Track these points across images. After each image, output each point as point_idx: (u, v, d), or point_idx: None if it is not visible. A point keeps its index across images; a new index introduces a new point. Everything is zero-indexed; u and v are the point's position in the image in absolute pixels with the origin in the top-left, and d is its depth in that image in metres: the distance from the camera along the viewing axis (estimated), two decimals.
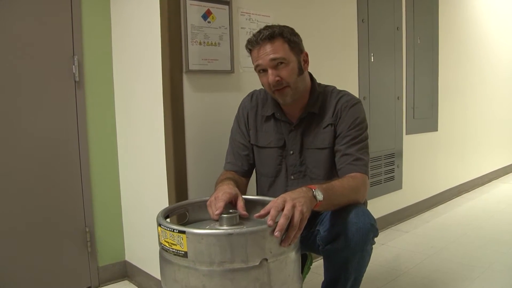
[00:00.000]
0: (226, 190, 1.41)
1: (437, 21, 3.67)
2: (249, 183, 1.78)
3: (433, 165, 3.75)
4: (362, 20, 2.82)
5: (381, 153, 3.05)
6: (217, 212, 1.30)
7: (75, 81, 2.14)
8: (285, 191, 1.59)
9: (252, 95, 1.75)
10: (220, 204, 1.32)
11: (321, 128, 1.59)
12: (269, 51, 1.48)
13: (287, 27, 1.55)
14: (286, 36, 1.50)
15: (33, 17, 2.02)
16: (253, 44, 1.51)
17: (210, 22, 1.91)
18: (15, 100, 1.99)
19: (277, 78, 1.50)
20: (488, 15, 4.60)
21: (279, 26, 1.53)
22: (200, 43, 1.88)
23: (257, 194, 1.79)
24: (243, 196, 1.45)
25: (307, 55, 1.59)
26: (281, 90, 1.53)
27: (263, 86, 1.60)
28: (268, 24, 1.55)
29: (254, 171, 1.78)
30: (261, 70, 1.53)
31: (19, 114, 2.01)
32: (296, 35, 1.55)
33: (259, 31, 1.51)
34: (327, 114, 1.59)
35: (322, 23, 2.51)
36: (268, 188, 1.71)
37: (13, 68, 1.98)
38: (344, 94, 1.63)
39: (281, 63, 1.49)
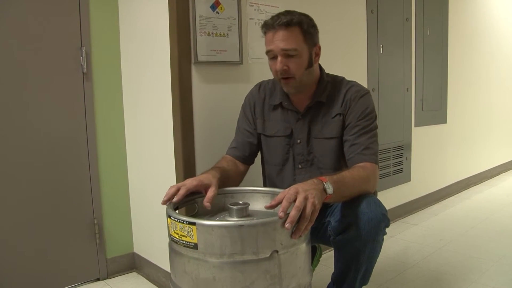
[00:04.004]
0: (201, 178, 1.39)
1: (446, 12, 3.63)
2: (255, 175, 1.78)
3: (441, 157, 3.73)
4: (371, 11, 2.79)
5: (390, 145, 3.03)
6: (165, 198, 1.31)
7: (83, 73, 2.14)
8: (293, 179, 1.62)
9: (260, 85, 1.75)
10: (180, 192, 1.33)
11: (329, 117, 1.59)
12: (283, 39, 1.46)
13: (307, 16, 1.52)
14: (303, 27, 1.48)
15: (41, 7, 2.01)
16: (268, 27, 1.49)
17: (218, 13, 1.89)
18: (23, 91, 1.99)
19: (285, 67, 1.49)
20: (499, 5, 4.54)
21: (299, 14, 1.50)
22: (208, 34, 1.86)
23: (264, 183, 1.80)
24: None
25: (319, 48, 1.58)
26: (286, 80, 1.53)
27: (271, 70, 1.58)
28: (287, 10, 1.52)
29: (261, 160, 1.78)
30: (271, 57, 1.52)
31: (27, 106, 2.00)
32: (314, 26, 1.54)
33: (278, 15, 1.48)
34: (336, 103, 1.59)
35: (331, 14, 2.49)
36: (276, 176, 1.71)
37: (20, 60, 1.97)
38: (353, 84, 1.62)
39: (292, 54, 1.48)
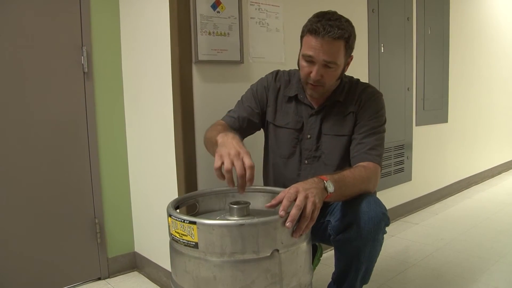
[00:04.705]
0: (243, 150, 1.26)
1: (447, 11, 3.62)
2: (255, 174, 1.77)
3: (442, 157, 3.73)
4: (372, 10, 2.79)
5: (391, 145, 3.02)
6: (249, 184, 1.22)
7: (84, 72, 2.14)
8: (298, 175, 1.62)
9: (276, 74, 1.72)
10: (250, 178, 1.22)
11: (342, 115, 1.60)
12: (327, 50, 1.43)
13: (353, 27, 1.50)
14: (349, 41, 1.47)
15: (41, 6, 2.01)
16: (316, 33, 1.43)
17: (219, 12, 1.89)
18: (23, 91, 1.99)
19: (319, 77, 1.48)
20: (500, 5, 4.54)
21: (347, 25, 1.46)
22: (209, 33, 1.86)
23: (266, 174, 1.78)
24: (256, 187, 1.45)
25: (351, 59, 1.57)
26: (315, 86, 1.53)
27: (298, 68, 1.58)
28: (335, 14, 1.48)
29: (264, 151, 1.78)
30: (307, 60, 1.49)
31: (27, 106, 2.00)
32: (355, 38, 1.52)
33: (329, 23, 1.42)
34: (350, 102, 1.60)
35: None
36: (281, 168, 1.69)
37: (21, 59, 1.97)
38: (368, 85, 1.65)
39: (331, 66, 1.47)
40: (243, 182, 1.23)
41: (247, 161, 1.23)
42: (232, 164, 1.22)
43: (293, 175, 1.64)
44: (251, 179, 1.22)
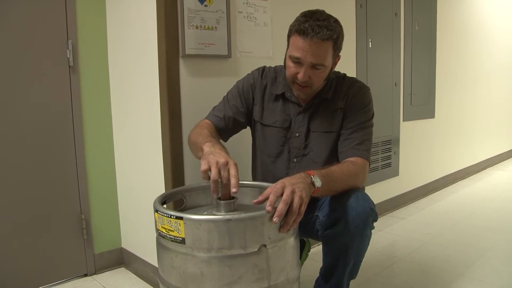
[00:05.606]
0: (231, 161, 1.25)
1: (435, 7, 3.64)
2: (243, 169, 1.77)
3: (429, 152, 3.76)
4: (361, 6, 2.79)
5: (378, 140, 3.04)
6: (235, 190, 1.20)
7: (69, 66, 2.11)
8: (286, 173, 1.60)
9: (263, 71, 1.70)
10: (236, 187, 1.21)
11: (330, 112, 1.58)
12: (315, 52, 1.41)
13: (342, 29, 1.47)
14: (337, 42, 1.45)
15: None
16: (304, 34, 1.39)
17: (207, 6, 1.87)
18: (7, 84, 1.95)
19: (307, 79, 1.46)
20: (486, 2, 4.58)
21: (337, 27, 1.44)
22: (196, 27, 1.85)
23: (254, 173, 1.77)
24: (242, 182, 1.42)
25: (339, 59, 1.55)
26: (302, 87, 1.50)
27: (284, 67, 1.56)
28: (323, 14, 1.45)
29: (252, 150, 1.76)
30: (295, 61, 1.46)
31: (11, 100, 1.97)
32: (343, 37, 1.49)
33: (318, 23, 1.39)
34: (338, 98, 1.58)
35: (320, 7, 2.47)
36: (270, 167, 1.68)
37: (3, 51, 1.93)
38: (355, 80, 1.64)
39: (319, 68, 1.45)
40: (227, 193, 1.24)
41: (232, 172, 1.22)
42: (219, 173, 1.21)
43: (282, 174, 1.62)
44: (235, 188, 1.21)
